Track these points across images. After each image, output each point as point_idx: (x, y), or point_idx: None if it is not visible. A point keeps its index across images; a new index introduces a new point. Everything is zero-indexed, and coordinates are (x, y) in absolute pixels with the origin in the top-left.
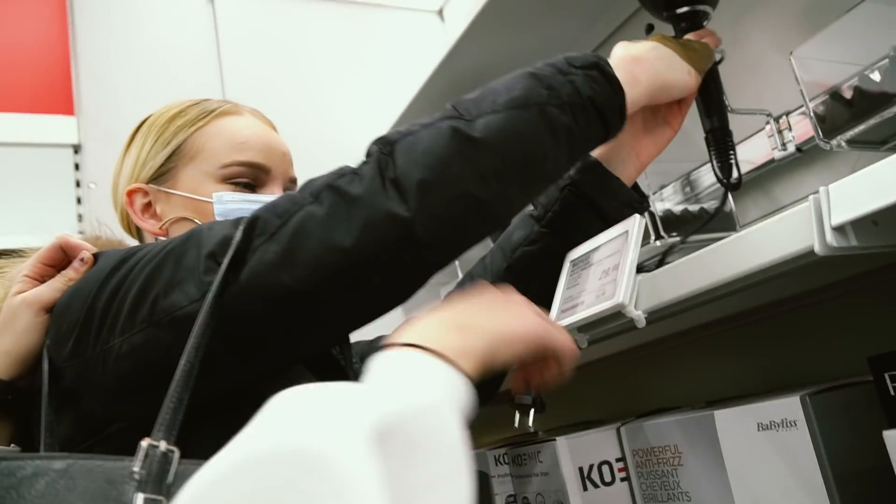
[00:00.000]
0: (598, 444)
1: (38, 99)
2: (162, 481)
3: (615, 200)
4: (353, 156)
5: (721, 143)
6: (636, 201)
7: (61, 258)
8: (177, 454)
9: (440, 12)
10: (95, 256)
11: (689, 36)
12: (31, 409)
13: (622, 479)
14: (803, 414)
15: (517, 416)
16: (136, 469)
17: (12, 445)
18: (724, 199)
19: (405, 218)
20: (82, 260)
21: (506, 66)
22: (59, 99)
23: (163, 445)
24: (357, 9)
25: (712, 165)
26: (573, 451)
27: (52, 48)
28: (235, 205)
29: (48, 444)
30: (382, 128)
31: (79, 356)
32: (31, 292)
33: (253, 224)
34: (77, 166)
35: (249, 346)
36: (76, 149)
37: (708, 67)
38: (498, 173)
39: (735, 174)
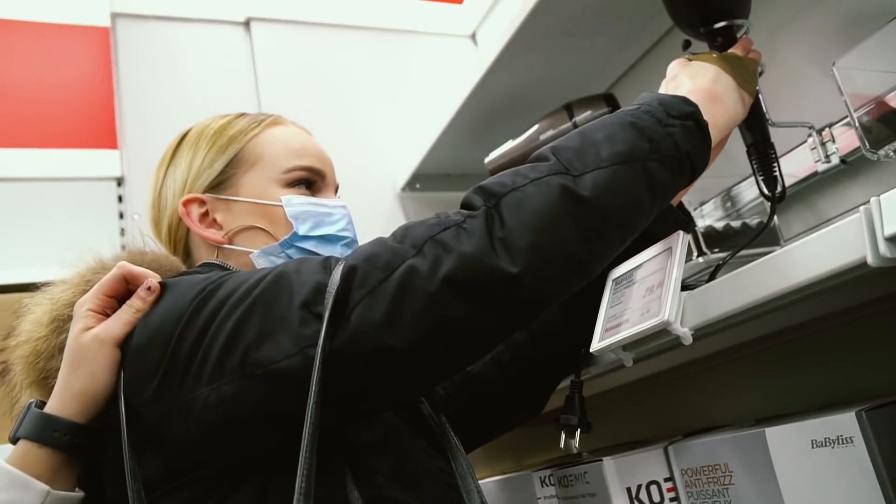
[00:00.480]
0: (646, 463)
1: (82, 134)
2: None
3: (662, 222)
4: (390, 180)
5: (764, 156)
6: (683, 222)
7: (124, 289)
8: None
9: (473, 37)
10: (162, 285)
11: (733, 50)
12: (100, 448)
13: (671, 500)
14: (860, 430)
15: (563, 436)
16: None
17: (77, 490)
18: (772, 213)
19: (514, 277)
20: (149, 289)
21: (540, 88)
22: (103, 133)
23: None
24: (391, 35)
25: (756, 179)
26: (620, 472)
27: (96, 84)
28: (303, 207)
29: (135, 490)
30: (419, 153)
31: (161, 401)
32: (102, 328)
33: (351, 274)
34: (120, 198)
35: (345, 400)
36: (119, 181)
37: (756, 87)
38: (601, 233)
39: (780, 186)
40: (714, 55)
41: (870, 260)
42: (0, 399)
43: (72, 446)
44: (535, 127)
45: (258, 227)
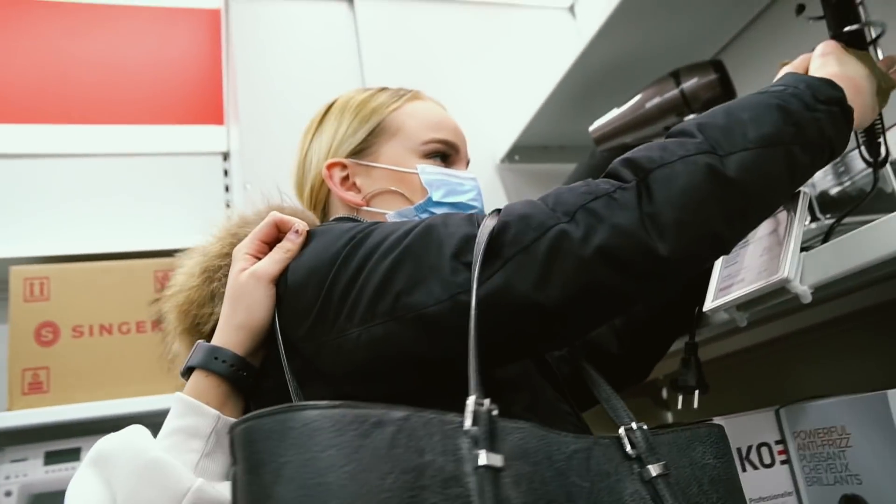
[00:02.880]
0: (756, 425)
1: (190, 111)
2: (493, 438)
3: None
4: (490, 152)
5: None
6: None
7: (276, 235)
8: (496, 412)
9: (571, 9)
10: (309, 232)
11: (879, 64)
12: (260, 381)
13: (783, 462)
14: None
15: (680, 398)
16: (468, 426)
17: None
18: (875, 180)
19: (662, 257)
20: (297, 232)
21: (641, 58)
22: (210, 110)
23: (486, 404)
24: (490, 8)
25: (857, 145)
26: (731, 433)
27: (204, 63)
28: (436, 176)
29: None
30: (518, 125)
31: (314, 338)
32: (258, 266)
33: (504, 229)
34: (226, 172)
35: (487, 348)
36: (225, 156)
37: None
38: (742, 214)
39: (883, 153)
40: (866, 60)
41: None
42: (156, 345)
43: (234, 376)
44: (640, 95)
45: (395, 192)
